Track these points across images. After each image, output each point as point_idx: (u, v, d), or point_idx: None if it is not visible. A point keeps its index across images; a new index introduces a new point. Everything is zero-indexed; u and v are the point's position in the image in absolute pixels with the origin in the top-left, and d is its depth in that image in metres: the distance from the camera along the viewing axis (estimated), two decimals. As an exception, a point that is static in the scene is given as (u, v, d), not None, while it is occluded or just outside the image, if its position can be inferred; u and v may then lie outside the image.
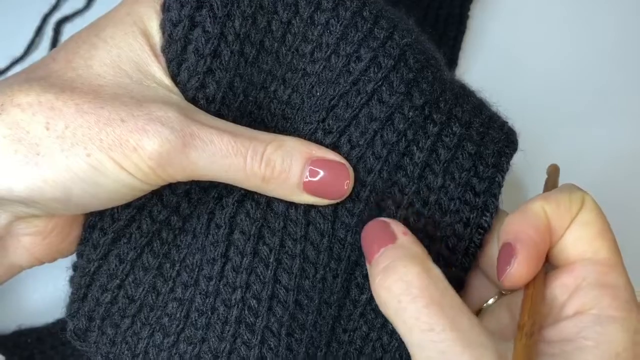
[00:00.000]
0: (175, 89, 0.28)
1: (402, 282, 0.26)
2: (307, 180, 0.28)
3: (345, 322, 0.30)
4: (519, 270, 0.26)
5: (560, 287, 0.27)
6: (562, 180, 0.40)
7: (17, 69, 0.43)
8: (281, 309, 0.29)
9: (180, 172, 0.27)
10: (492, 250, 0.30)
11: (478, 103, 0.31)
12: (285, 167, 0.28)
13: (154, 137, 0.26)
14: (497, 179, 0.30)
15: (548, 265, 0.28)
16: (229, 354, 0.29)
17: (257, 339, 0.28)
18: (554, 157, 0.45)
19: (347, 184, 0.29)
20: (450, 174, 0.29)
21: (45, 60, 0.28)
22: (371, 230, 0.29)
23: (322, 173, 0.28)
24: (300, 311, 0.29)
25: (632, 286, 0.27)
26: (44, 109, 0.26)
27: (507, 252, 0.27)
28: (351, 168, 0.29)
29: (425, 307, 0.25)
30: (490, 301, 0.31)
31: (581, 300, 0.26)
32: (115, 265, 0.30)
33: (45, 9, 0.44)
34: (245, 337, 0.28)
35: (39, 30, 0.44)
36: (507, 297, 0.30)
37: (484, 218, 0.30)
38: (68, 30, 0.45)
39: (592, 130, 0.46)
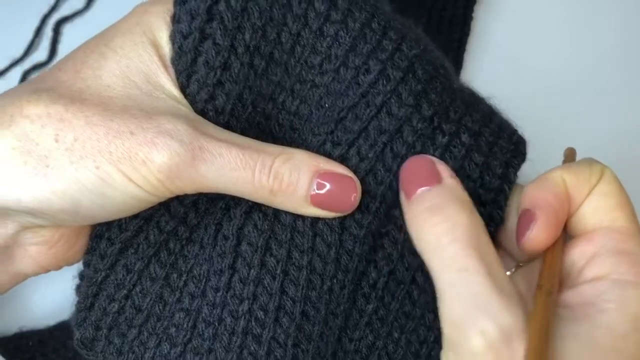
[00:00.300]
0: (184, 101, 0.28)
1: (447, 223, 0.26)
2: (314, 193, 0.28)
3: (351, 332, 0.30)
4: (538, 234, 0.27)
5: (579, 254, 0.27)
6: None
7: (17, 69, 0.43)
8: (288, 320, 0.29)
9: (189, 184, 0.27)
10: (510, 223, 0.30)
11: (488, 111, 0.31)
12: (293, 180, 0.28)
13: (163, 150, 0.26)
14: (503, 189, 0.30)
15: (566, 235, 0.28)
16: None
17: (263, 349, 0.28)
18: (556, 156, 0.45)
19: (354, 197, 0.29)
20: None
21: (53, 70, 0.28)
22: (414, 166, 0.28)
23: (329, 186, 0.28)
24: (307, 322, 0.29)
25: None
26: (53, 121, 0.26)
27: (527, 217, 0.27)
28: (358, 181, 0.29)
29: (463, 249, 0.25)
30: (508, 273, 0.31)
31: (599, 267, 0.26)
32: (123, 275, 0.30)
33: (44, 9, 0.44)
34: (252, 348, 0.29)
35: (39, 31, 0.43)
36: (523, 270, 0.30)
37: (489, 228, 0.29)
38: (68, 31, 0.44)
39: (594, 129, 0.46)
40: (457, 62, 0.45)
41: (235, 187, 0.28)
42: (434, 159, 0.29)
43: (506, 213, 0.30)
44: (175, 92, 0.28)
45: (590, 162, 0.28)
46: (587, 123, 0.46)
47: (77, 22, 0.44)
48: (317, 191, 0.28)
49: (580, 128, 0.46)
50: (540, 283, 0.26)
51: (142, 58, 0.28)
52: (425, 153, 0.29)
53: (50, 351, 0.40)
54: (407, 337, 0.30)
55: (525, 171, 0.31)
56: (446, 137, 0.29)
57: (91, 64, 0.28)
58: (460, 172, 0.29)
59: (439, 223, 0.26)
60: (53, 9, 0.44)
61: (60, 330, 0.40)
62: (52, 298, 0.40)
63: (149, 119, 0.26)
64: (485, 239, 0.26)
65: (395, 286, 0.30)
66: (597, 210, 0.27)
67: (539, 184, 0.28)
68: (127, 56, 0.28)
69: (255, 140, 0.28)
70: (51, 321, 0.40)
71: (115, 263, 0.31)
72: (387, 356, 0.30)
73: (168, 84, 0.28)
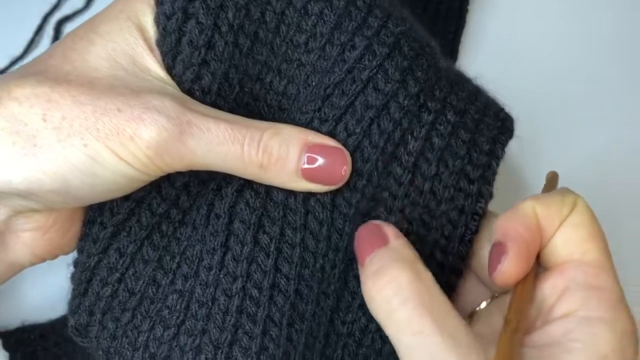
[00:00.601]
0: (171, 82, 0.29)
1: (393, 285, 0.26)
2: (304, 166, 0.28)
3: (344, 314, 0.30)
4: (509, 267, 0.26)
5: (550, 288, 0.27)
6: (561, 174, 0.39)
7: (17, 67, 0.44)
8: (282, 299, 0.29)
9: (178, 161, 0.27)
10: (484, 253, 0.30)
11: (474, 90, 0.31)
12: (282, 154, 0.28)
13: (151, 125, 0.26)
14: (491, 165, 0.30)
15: (539, 267, 0.28)
16: (231, 345, 0.29)
17: (259, 328, 0.28)
18: (552, 152, 0.45)
19: (344, 170, 0.29)
20: (444, 162, 0.29)
21: (42, 56, 0.29)
22: (363, 233, 0.29)
23: (319, 159, 0.28)
24: (301, 301, 0.29)
25: (622, 289, 0.26)
26: (40, 102, 0.26)
27: (498, 250, 0.27)
28: (348, 154, 0.29)
29: (415, 309, 0.25)
30: (483, 305, 0.31)
31: (569, 302, 0.26)
32: (116, 259, 0.31)
33: (46, 8, 0.45)
34: (247, 327, 0.28)
35: (39, 30, 0.44)
36: (499, 300, 0.30)
37: (478, 204, 0.30)
38: (69, 30, 0.45)
39: (590, 125, 0.46)
40: (452, 54, 0.45)
41: (225, 163, 0.28)
42: (381, 222, 0.29)
43: (479, 243, 0.30)
44: (162, 73, 0.29)
45: (563, 192, 0.28)
46: (581, 114, 0.46)
47: (78, 21, 0.45)
48: (308, 165, 0.28)
49: (573, 119, 0.46)
50: (508, 318, 0.26)
51: (127, 42, 0.28)
52: (412, 131, 0.29)
53: (51, 345, 0.40)
54: None
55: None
56: (432, 115, 0.29)
57: (79, 49, 0.28)
58: (448, 150, 0.29)
59: (385, 285, 0.26)
60: (55, 8, 0.44)
61: (61, 323, 0.40)
62: (53, 292, 0.40)
63: (136, 96, 0.27)
64: (435, 291, 0.26)
65: None
66: (568, 242, 0.27)
67: (510, 215, 0.27)
68: (113, 40, 0.28)
69: (243, 117, 0.28)
70: (53, 315, 0.40)
71: (108, 247, 0.31)
72: (381, 339, 0.30)
73: (154, 66, 0.28)
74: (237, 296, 0.29)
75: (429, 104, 0.29)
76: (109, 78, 0.27)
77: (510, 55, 0.47)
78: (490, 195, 0.30)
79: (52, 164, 0.26)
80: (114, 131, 0.26)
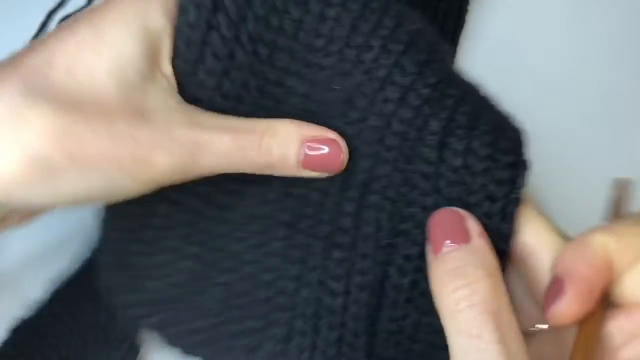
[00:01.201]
0: (175, 86, 0.29)
1: (468, 289, 0.26)
2: (303, 158, 0.30)
3: (391, 311, 0.31)
4: (565, 309, 0.25)
5: (617, 328, 0.26)
6: (557, 172, 0.40)
7: (22, 65, 0.44)
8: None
9: (188, 177, 0.29)
10: (541, 284, 0.29)
11: (484, 94, 0.31)
12: (282, 153, 0.30)
13: (164, 156, 0.28)
14: (521, 138, 0.30)
15: (607, 302, 0.27)
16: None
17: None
18: (553, 153, 0.45)
19: (341, 158, 0.30)
20: (473, 138, 0.29)
21: (42, 65, 0.27)
22: (443, 220, 0.28)
23: (317, 152, 0.30)
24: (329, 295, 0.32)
25: None
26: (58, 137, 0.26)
27: (556, 287, 0.26)
28: (343, 142, 0.30)
29: (480, 314, 0.25)
30: (537, 327, 0.30)
31: (637, 349, 0.26)
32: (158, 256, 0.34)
33: (50, 5, 0.45)
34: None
35: (43, 27, 0.44)
36: (555, 330, 0.29)
37: (514, 191, 0.29)
38: (71, 27, 0.45)
39: (591, 124, 0.46)
40: (451, 54, 0.45)
41: (230, 168, 0.30)
42: (466, 214, 0.28)
43: (537, 261, 0.29)
44: (167, 84, 0.29)
45: (638, 222, 0.27)
46: (581, 115, 0.46)
47: (81, 18, 0.45)
48: (308, 152, 0.30)
49: (574, 120, 0.46)
50: None
51: (135, 52, 0.27)
52: (436, 116, 0.29)
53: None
54: None
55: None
56: (452, 100, 0.29)
57: (84, 62, 0.27)
58: (474, 128, 0.29)
59: (460, 288, 0.26)
60: (59, 5, 0.45)
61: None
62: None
63: (146, 125, 0.28)
64: (505, 305, 0.26)
65: None
66: (638, 283, 0.26)
67: (575, 248, 0.26)
68: (122, 51, 0.27)
69: (242, 120, 0.30)
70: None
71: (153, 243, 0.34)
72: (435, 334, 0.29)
73: (159, 76, 0.29)
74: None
75: (449, 91, 0.30)
76: (117, 99, 0.27)
77: (510, 56, 0.47)
78: (527, 166, 0.29)
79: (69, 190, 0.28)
80: (129, 159, 0.27)
